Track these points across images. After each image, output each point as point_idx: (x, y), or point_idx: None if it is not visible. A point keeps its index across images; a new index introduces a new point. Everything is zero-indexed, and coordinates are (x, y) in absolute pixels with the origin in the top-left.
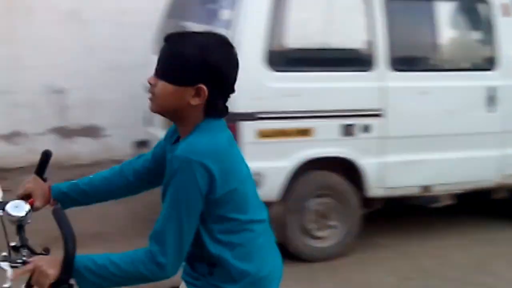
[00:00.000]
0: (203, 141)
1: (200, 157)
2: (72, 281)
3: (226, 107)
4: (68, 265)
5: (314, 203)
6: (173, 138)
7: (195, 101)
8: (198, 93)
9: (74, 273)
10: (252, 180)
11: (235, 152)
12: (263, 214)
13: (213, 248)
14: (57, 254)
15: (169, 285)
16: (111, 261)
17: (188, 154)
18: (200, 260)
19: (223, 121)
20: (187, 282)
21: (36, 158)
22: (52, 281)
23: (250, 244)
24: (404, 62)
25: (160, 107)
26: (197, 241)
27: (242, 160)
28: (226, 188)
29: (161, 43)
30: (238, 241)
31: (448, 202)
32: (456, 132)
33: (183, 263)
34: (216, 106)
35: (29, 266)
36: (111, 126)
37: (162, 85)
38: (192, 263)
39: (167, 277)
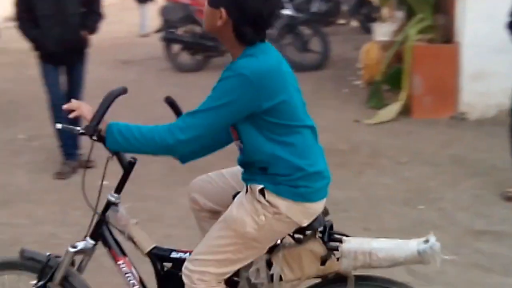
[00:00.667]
0: (254, 61)
1: (250, 73)
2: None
3: (259, 36)
4: (97, 116)
5: None
6: None
7: (219, 23)
8: (221, 16)
9: (107, 129)
10: (300, 93)
11: (284, 69)
12: (310, 122)
13: (269, 148)
14: None
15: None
16: (138, 127)
17: (240, 69)
18: (252, 166)
19: (268, 44)
20: (247, 180)
21: None
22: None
23: (301, 144)
24: None
25: (205, 27)
26: (252, 148)
27: (291, 75)
28: (275, 100)
29: None
30: (289, 140)
31: None
32: None
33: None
34: (244, 34)
35: (77, 102)
36: None
37: (205, 7)
38: (247, 168)
39: (173, 152)
